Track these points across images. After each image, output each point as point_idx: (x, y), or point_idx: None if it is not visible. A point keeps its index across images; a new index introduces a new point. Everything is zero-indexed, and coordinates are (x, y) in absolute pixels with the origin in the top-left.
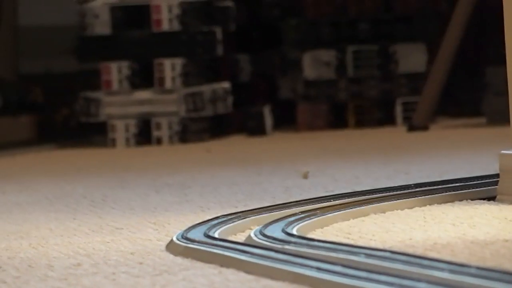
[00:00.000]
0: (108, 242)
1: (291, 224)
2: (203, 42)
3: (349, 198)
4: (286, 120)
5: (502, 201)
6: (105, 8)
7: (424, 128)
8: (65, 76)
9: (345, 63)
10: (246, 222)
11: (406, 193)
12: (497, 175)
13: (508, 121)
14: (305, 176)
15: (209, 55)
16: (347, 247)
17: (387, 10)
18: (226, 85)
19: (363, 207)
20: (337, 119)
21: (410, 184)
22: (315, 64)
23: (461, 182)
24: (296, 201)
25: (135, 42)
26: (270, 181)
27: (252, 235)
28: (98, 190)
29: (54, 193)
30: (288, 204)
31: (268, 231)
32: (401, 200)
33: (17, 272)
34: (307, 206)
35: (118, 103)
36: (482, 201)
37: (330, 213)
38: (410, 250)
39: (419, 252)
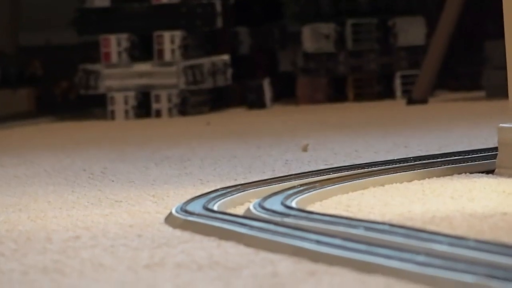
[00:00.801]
0: (107, 215)
1: (290, 197)
2: (202, 15)
3: (348, 171)
4: (286, 93)
5: (500, 175)
6: None
7: (424, 101)
8: (64, 49)
9: (344, 36)
10: (245, 195)
11: (405, 166)
12: (496, 149)
13: (507, 95)
14: (305, 149)
15: (209, 27)
16: (346, 220)
17: None
18: (225, 57)
19: (362, 180)
20: (336, 92)
21: (409, 157)
22: (314, 37)
23: (460, 156)
24: (296, 174)
25: (135, 14)
26: (270, 154)
27: (251, 208)
28: (97, 163)
29: (53, 166)
30: (288, 177)
31: (267, 204)
32: (400, 174)
33: (16, 245)
34: (307, 179)
35: (118, 75)
36: (480, 174)
37: (330, 186)
38: (409, 223)
39: (418, 225)
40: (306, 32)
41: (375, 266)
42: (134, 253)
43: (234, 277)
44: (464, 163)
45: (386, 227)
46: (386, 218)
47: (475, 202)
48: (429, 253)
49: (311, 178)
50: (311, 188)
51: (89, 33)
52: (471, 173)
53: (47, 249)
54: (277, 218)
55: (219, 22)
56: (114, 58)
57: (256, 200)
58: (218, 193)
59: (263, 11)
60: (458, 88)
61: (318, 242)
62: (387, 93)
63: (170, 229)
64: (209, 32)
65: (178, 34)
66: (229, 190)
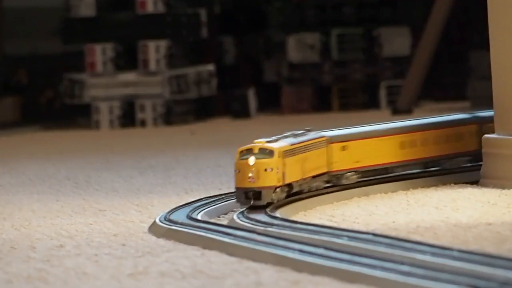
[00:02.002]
0: (91, 224)
1: (274, 207)
2: (187, 24)
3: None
4: (271, 102)
5: (485, 185)
6: None
7: (408, 111)
8: (49, 58)
9: (329, 46)
10: (229, 205)
11: (390, 176)
12: (480, 159)
13: (491, 106)
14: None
15: (194, 37)
16: (330, 230)
17: None
18: (210, 67)
19: (346, 190)
20: (321, 102)
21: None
22: (299, 47)
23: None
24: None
25: (120, 24)
26: None
27: (235, 217)
28: (81, 172)
29: (38, 174)
30: None
31: (251, 214)
32: (384, 184)
33: (0, 254)
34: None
35: (102, 85)
36: (465, 185)
37: (314, 196)
38: (393, 233)
39: (402, 235)
40: (291, 42)
41: (358, 276)
42: (118, 262)
43: (217, 286)
44: (448, 173)
45: (370, 237)
46: (370, 228)
47: (460, 212)
48: (413, 263)
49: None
50: (294, 198)
51: (74, 42)
52: (455, 183)
53: (31, 258)
54: (261, 228)
55: (204, 32)
56: (99, 67)
57: (240, 210)
58: (202, 202)
59: (248, 21)
60: (443, 98)
61: (301, 251)
62: (372, 103)
63: (154, 238)
64: (194, 42)
65: (163, 43)
66: (213, 199)
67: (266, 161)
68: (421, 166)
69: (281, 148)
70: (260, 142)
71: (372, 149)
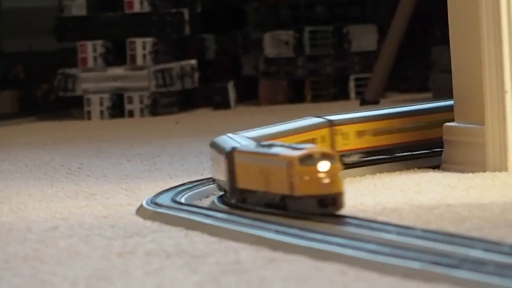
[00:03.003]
0: (83, 207)
1: None
2: (171, 23)
3: None
4: (249, 95)
5: (446, 169)
6: None
7: (375, 102)
8: (45, 54)
9: (302, 42)
10: (210, 188)
11: (358, 162)
12: (441, 146)
13: (452, 96)
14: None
15: (177, 34)
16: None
17: None
18: (193, 62)
19: None
20: (295, 94)
21: (362, 154)
22: (275, 43)
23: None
24: None
25: (109, 22)
26: None
27: (216, 200)
28: (74, 159)
29: (34, 162)
30: None
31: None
32: (353, 169)
33: None
34: None
35: (93, 79)
36: (428, 169)
37: None
38: (361, 214)
39: (369, 216)
40: (267, 38)
41: (329, 254)
42: (108, 242)
43: (199, 264)
44: (413, 159)
45: (340, 218)
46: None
47: (423, 194)
48: (379, 242)
49: None
50: None
51: (67, 40)
52: (419, 168)
53: (27, 239)
54: (240, 210)
55: (187, 30)
56: (90, 62)
57: (220, 193)
58: (186, 186)
59: (227, 19)
60: (407, 90)
61: (277, 231)
62: (342, 95)
63: (141, 220)
64: (177, 39)
65: (149, 40)
66: (195, 184)
67: (338, 166)
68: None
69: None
70: (313, 148)
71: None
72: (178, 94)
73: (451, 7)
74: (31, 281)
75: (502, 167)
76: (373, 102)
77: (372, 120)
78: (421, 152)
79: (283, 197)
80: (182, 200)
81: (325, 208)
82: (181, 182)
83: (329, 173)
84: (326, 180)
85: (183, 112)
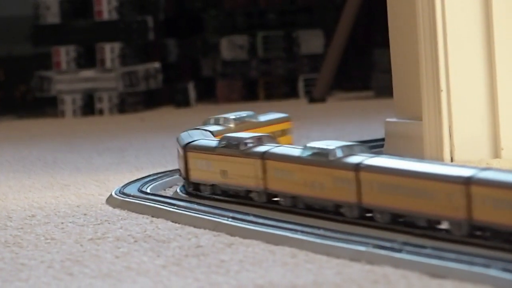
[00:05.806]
0: (58, 197)
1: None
2: (137, 29)
3: None
4: (207, 94)
5: None
6: (55, 1)
7: (322, 100)
8: (22, 58)
9: (256, 46)
10: (173, 179)
11: None
12: (382, 139)
13: (392, 94)
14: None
15: (143, 40)
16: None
17: (292, 2)
18: (156, 65)
19: None
20: (249, 93)
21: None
22: (231, 47)
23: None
24: None
25: (81, 29)
26: None
27: (178, 190)
28: (50, 154)
29: (13, 156)
30: None
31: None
32: None
33: None
34: None
35: (67, 80)
36: None
37: None
38: None
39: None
40: (224, 43)
41: (282, 238)
42: (80, 229)
43: (164, 248)
44: None
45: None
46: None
47: None
48: (327, 228)
49: None
50: None
51: (43, 45)
52: None
53: (8, 226)
54: (200, 199)
55: (151, 35)
56: (63, 66)
57: (182, 184)
58: (151, 178)
59: (188, 26)
60: (351, 89)
61: (234, 218)
62: (292, 93)
63: (111, 208)
64: (142, 44)
65: (117, 45)
66: (160, 175)
67: None
68: None
69: None
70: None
71: None
72: (143, 94)
73: (390, 14)
74: (12, 265)
75: (439, 158)
76: (321, 100)
77: None
78: None
79: None
80: (148, 190)
81: None
82: (146, 174)
83: None
84: None
85: (148, 110)
